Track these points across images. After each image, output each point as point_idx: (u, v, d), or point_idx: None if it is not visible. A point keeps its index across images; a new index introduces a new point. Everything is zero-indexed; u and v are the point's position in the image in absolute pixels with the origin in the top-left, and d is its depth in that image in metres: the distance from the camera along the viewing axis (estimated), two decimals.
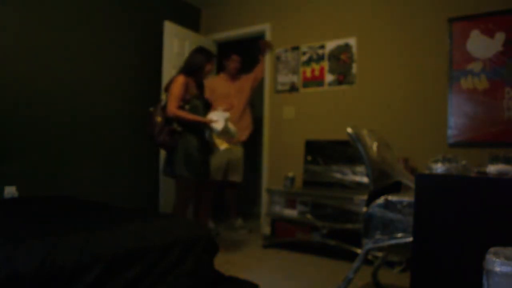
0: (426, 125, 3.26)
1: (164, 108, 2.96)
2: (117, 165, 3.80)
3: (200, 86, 3.19)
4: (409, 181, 2.20)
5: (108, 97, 3.73)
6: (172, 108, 2.89)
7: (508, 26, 2.94)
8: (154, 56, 4.06)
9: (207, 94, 3.97)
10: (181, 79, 2.96)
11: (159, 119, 2.91)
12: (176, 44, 4.09)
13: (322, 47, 3.83)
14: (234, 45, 4.63)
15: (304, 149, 3.82)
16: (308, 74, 3.94)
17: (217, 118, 3.00)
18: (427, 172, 1.68)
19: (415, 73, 3.34)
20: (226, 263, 2.76)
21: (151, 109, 2.98)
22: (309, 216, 3.27)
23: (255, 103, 4.66)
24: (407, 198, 1.96)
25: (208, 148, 3.15)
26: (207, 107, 3.17)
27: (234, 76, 4.19)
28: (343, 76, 3.71)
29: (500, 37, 2.97)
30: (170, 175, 3.04)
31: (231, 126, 3.10)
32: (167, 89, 3.02)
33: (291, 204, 3.41)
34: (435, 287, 1.55)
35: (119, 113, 3.83)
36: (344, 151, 3.48)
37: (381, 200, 2.02)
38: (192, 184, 3.03)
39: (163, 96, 3.08)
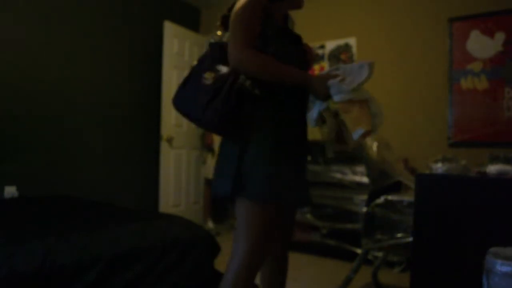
0: (426, 125, 3.26)
1: (220, 55, 1.41)
2: (117, 165, 3.80)
3: (286, 20, 1.65)
4: (409, 181, 2.20)
5: (108, 97, 3.73)
6: (241, 47, 1.34)
7: (508, 26, 2.94)
8: (154, 56, 4.06)
9: None
10: None
11: (209, 76, 1.37)
12: (176, 44, 4.09)
13: (322, 47, 3.83)
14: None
15: None
16: None
17: (343, 73, 1.47)
18: (427, 172, 1.68)
19: (415, 73, 3.34)
20: (226, 263, 2.76)
21: (194, 62, 1.46)
22: (309, 216, 3.27)
23: None
24: (407, 198, 1.96)
25: (306, 141, 1.57)
26: (305, 64, 1.55)
27: None
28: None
29: (500, 37, 2.97)
30: (226, 196, 1.39)
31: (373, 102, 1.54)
32: (227, 16, 1.48)
33: None
34: (435, 287, 1.55)
35: (119, 113, 3.83)
36: (344, 151, 3.48)
37: (381, 200, 2.02)
38: (274, 214, 1.40)
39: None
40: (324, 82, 1.37)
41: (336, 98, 1.36)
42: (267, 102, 1.37)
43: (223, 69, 1.35)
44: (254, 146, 1.34)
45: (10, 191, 2.98)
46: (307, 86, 1.39)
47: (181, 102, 1.41)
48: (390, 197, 2.00)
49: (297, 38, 1.55)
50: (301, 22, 4.07)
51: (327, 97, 1.38)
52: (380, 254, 2.53)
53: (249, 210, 1.34)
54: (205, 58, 1.41)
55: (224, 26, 1.48)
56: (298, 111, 1.48)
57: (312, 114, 1.47)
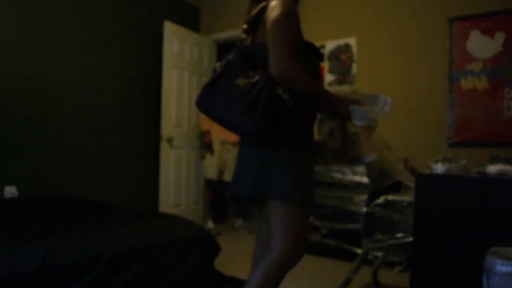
0: (426, 125, 3.26)
1: (248, 60, 1.42)
2: (117, 165, 3.80)
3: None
4: (409, 181, 2.20)
5: (108, 97, 3.73)
6: (290, 59, 1.34)
7: (508, 26, 2.94)
8: (154, 56, 4.06)
9: None
10: (289, 2, 1.42)
11: (242, 82, 1.36)
12: (176, 44, 4.08)
13: (322, 47, 3.83)
14: (234, 45, 4.63)
15: None
16: None
17: (363, 100, 1.57)
18: (427, 172, 1.68)
19: (415, 73, 3.34)
20: (226, 263, 2.76)
21: (217, 65, 1.42)
22: None
23: None
24: (407, 198, 1.96)
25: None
26: (320, 76, 1.63)
27: None
28: (343, 76, 3.71)
29: (500, 37, 2.97)
30: (251, 198, 1.49)
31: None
32: (255, 21, 1.47)
33: None
34: (435, 287, 1.55)
35: (119, 113, 3.83)
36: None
37: (381, 200, 2.02)
38: (308, 219, 1.56)
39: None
40: (347, 105, 1.48)
41: (357, 122, 1.50)
42: (295, 109, 1.39)
43: (254, 75, 1.36)
44: (287, 150, 1.39)
45: (10, 191, 2.98)
46: (332, 103, 1.49)
47: (210, 107, 1.39)
48: (390, 197, 2.00)
49: (317, 50, 1.57)
50: (301, 22, 4.07)
51: (346, 118, 1.50)
52: (380, 254, 2.53)
53: (290, 212, 1.40)
54: (233, 62, 1.39)
55: (251, 29, 1.47)
56: (313, 117, 1.57)
57: (324, 127, 1.59)
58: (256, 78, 1.34)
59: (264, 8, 1.43)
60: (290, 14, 1.39)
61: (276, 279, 1.40)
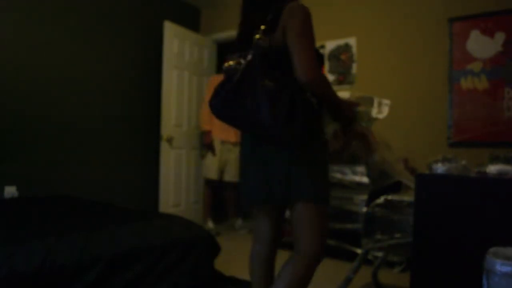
0: (426, 125, 3.26)
1: (271, 62, 1.38)
2: (117, 165, 3.80)
3: None
4: (409, 181, 2.20)
5: (108, 97, 3.73)
6: (316, 65, 1.38)
7: (508, 26, 2.94)
8: (154, 56, 4.06)
9: (208, 94, 3.96)
10: (305, 6, 1.42)
11: (269, 83, 1.31)
12: (176, 44, 4.08)
13: (322, 47, 3.83)
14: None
15: None
16: None
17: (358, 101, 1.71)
18: (427, 172, 1.68)
19: (415, 73, 3.34)
20: (226, 263, 2.76)
21: (232, 67, 1.37)
22: None
23: None
24: (407, 198, 1.96)
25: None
26: None
27: None
28: (343, 76, 3.71)
29: (500, 37, 2.97)
30: (287, 200, 1.45)
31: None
32: (273, 23, 1.41)
33: None
34: (435, 287, 1.55)
35: (119, 113, 3.83)
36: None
37: (381, 200, 2.02)
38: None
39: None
40: (352, 108, 1.58)
41: (364, 124, 1.63)
42: (318, 112, 1.46)
43: (281, 78, 1.35)
44: (314, 151, 1.43)
45: (10, 191, 2.98)
46: (341, 108, 1.51)
47: (235, 113, 1.32)
48: (390, 197, 2.00)
49: (319, 54, 1.55)
50: None
51: (351, 120, 1.58)
52: (380, 254, 2.53)
53: (322, 212, 1.44)
54: (255, 63, 1.33)
55: (269, 31, 1.41)
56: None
57: (329, 129, 1.65)
58: (285, 82, 1.33)
59: (280, 10, 1.40)
60: (310, 20, 1.40)
61: (310, 278, 1.44)
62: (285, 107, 1.29)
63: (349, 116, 1.54)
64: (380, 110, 1.72)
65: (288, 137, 1.32)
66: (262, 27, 1.41)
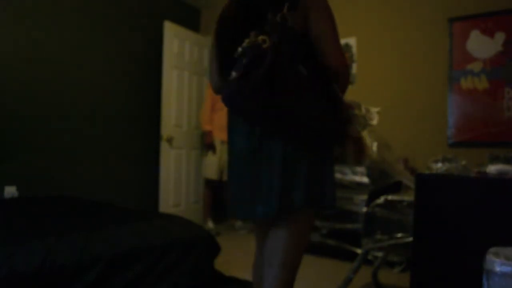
0: (426, 125, 3.26)
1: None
2: (117, 165, 3.80)
3: None
4: (409, 181, 2.20)
5: (108, 97, 3.73)
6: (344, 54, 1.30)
7: (508, 26, 2.94)
8: (154, 56, 4.06)
9: (209, 93, 3.95)
10: None
11: (303, 71, 1.18)
12: (176, 44, 4.08)
13: None
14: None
15: None
16: None
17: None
18: (427, 172, 1.68)
19: (415, 73, 3.34)
20: (226, 263, 2.76)
21: (257, 38, 1.11)
22: None
23: None
24: (407, 198, 1.96)
25: None
26: None
27: None
28: None
29: (500, 37, 2.97)
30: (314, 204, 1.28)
31: None
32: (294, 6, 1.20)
33: None
34: (435, 287, 1.55)
35: (119, 113, 3.83)
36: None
37: (381, 200, 2.02)
38: None
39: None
40: (348, 110, 1.39)
41: (359, 127, 1.52)
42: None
43: (313, 65, 1.20)
44: (321, 153, 1.28)
45: (10, 191, 2.98)
46: (342, 107, 1.35)
47: (264, 103, 1.10)
48: (390, 197, 2.00)
49: None
50: None
51: (346, 122, 1.43)
52: (380, 254, 2.54)
53: (312, 217, 1.33)
54: (280, 47, 1.10)
55: (288, 16, 1.18)
56: None
57: None
58: (316, 69, 1.18)
59: None
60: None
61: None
62: (323, 98, 1.15)
63: (345, 117, 1.37)
64: (370, 117, 1.68)
65: (327, 133, 1.17)
66: (285, 9, 1.16)
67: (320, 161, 1.26)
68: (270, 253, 1.27)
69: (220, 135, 3.99)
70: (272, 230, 1.29)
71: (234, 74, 1.08)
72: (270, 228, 1.31)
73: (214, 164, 4.01)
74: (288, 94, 1.10)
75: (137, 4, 4.00)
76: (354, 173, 3.29)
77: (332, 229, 3.17)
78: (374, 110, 1.70)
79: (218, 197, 4.38)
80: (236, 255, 3.16)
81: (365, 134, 1.57)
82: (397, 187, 2.27)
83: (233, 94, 1.10)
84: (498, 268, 1.04)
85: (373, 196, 2.15)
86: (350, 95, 3.93)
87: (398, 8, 3.45)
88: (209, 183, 4.13)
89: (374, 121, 1.67)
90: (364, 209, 2.08)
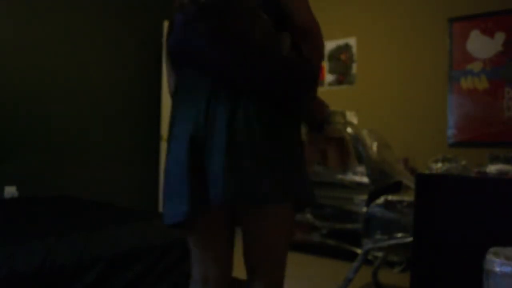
0: (426, 125, 3.26)
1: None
2: (117, 165, 3.80)
3: None
4: (409, 181, 2.20)
5: (108, 97, 3.73)
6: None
7: (508, 26, 2.94)
8: (154, 56, 4.06)
9: None
10: None
11: (287, 41, 1.01)
12: None
13: None
14: None
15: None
16: None
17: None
18: (427, 172, 1.68)
19: (415, 73, 3.34)
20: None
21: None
22: (309, 216, 3.27)
23: None
24: (407, 198, 1.96)
25: None
26: None
27: None
28: (343, 76, 3.71)
29: (500, 37, 2.97)
30: (307, 201, 1.10)
31: None
32: None
33: None
34: (435, 287, 1.55)
35: (118, 113, 3.83)
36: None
37: (381, 200, 2.02)
38: None
39: None
40: (323, 108, 1.19)
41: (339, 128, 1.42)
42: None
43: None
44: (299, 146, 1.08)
45: (10, 191, 2.98)
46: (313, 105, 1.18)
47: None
48: (390, 197, 2.00)
49: None
50: None
51: (322, 121, 1.22)
52: (380, 254, 2.54)
53: (292, 217, 1.12)
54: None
55: None
56: None
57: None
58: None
59: None
60: None
61: None
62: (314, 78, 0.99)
63: (319, 117, 1.16)
64: (349, 118, 1.60)
65: (298, 74, 0.97)
66: None
67: (295, 144, 1.03)
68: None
69: None
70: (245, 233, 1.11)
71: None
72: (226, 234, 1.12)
73: None
74: (245, 18, 0.95)
75: (137, 4, 4.00)
76: (354, 173, 3.29)
77: (332, 229, 3.17)
78: (350, 113, 1.65)
79: None
80: (236, 255, 3.16)
81: (347, 136, 1.40)
82: (397, 187, 2.27)
83: (189, 19, 0.97)
84: (498, 268, 1.04)
85: (373, 196, 2.15)
86: (350, 95, 3.94)
87: (398, 8, 3.45)
88: None
89: (354, 120, 1.63)
90: (364, 209, 2.08)
